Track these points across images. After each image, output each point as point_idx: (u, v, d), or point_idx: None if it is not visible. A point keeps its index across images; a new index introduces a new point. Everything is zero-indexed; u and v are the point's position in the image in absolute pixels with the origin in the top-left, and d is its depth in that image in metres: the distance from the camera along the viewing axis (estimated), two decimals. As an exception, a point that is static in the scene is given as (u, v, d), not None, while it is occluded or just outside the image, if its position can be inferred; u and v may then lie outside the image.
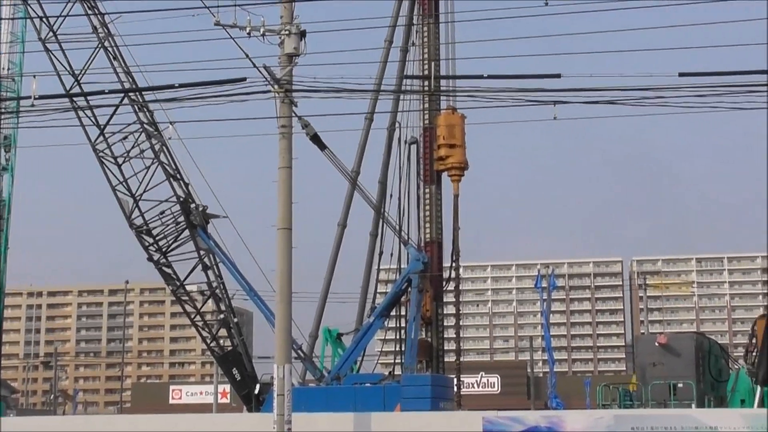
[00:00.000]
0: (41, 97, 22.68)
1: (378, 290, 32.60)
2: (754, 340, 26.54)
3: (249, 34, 20.56)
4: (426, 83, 31.12)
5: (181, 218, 29.70)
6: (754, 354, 25.66)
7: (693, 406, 25.84)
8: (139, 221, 29.77)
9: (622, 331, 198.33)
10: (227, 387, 76.36)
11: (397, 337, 30.33)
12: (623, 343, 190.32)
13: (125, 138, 29.48)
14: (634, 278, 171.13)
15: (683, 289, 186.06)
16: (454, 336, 31.83)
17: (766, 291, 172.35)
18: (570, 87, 19.95)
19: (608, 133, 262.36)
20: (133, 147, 29.49)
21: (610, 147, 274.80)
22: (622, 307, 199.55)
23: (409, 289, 28.28)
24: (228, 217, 29.97)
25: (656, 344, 27.49)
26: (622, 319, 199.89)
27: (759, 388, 24.02)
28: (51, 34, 29.15)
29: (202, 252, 29.77)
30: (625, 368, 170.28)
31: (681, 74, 19.71)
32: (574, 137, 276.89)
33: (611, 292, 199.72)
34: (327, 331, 31.95)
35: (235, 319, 30.57)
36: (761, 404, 23.84)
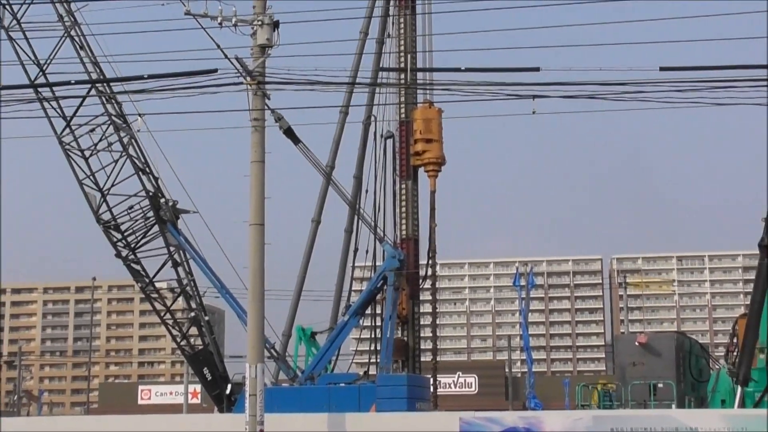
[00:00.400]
0: (4, 88, 22.54)
1: (353, 288, 32.55)
2: (735, 340, 26.68)
3: (220, 24, 20.50)
4: (402, 76, 31.08)
5: (151, 213, 29.57)
6: (734, 354, 25.79)
7: (673, 406, 25.97)
8: (106, 216, 29.63)
9: (602, 331, 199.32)
10: (198, 387, 76.22)
11: (373, 336, 30.32)
12: (603, 343, 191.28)
13: (92, 130, 29.30)
14: (614, 277, 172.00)
15: (663, 288, 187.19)
16: (431, 335, 31.86)
17: (747, 290, 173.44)
18: (549, 81, 20.02)
19: (588, 128, 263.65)
20: (100, 140, 29.32)
21: (590, 143, 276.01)
22: (601, 306, 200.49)
23: (385, 287, 28.26)
24: (199, 212, 29.90)
25: (636, 344, 27.60)
26: (601, 318, 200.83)
27: (740, 389, 24.16)
28: (14, 21, 28.91)
29: (172, 248, 29.66)
30: (604, 368, 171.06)
31: (662, 68, 19.81)
32: (554, 133, 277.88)
33: (591, 290, 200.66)
34: (300, 330, 31.89)
35: (206, 318, 30.48)
36: (742, 405, 23.99)
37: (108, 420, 28.96)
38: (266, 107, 21.22)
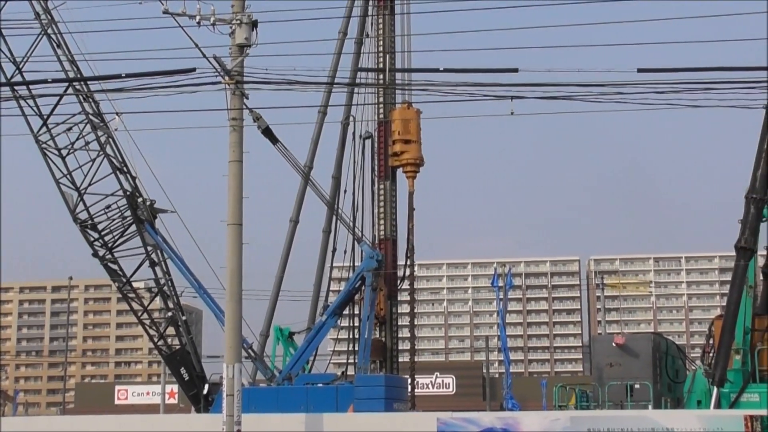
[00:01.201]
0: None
1: (331, 288, 32.57)
2: (711, 341, 26.81)
3: (199, 23, 20.45)
4: (381, 76, 31.10)
5: (128, 213, 29.49)
6: (711, 355, 25.93)
7: (650, 407, 26.08)
8: (83, 216, 29.51)
9: (579, 332, 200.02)
10: (175, 387, 76.05)
11: (350, 336, 30.33)
12: (580, 344, 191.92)
13: (69, 129, 29.18)
14: (592, 278, 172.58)
15: (641, 289, 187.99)
16: (409, 336, 31.88)
17: (723, 291, 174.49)
18: (528, 82, 20.06)
19: (567, 129, 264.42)
20: (77, 138, 29.20)
21: (568, 145, 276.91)
22: (579, 307, 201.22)
23: (363, 287, 28.28)
24: (176, 211, 29.82)
25: (613, 345, 27.71)
26: (579, 319, 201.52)
27: (716, 389, 24.30)
28: (-9, 20, 28.76)
29: (149, 248, 29.58)
30: (582, 369, 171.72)
31: (640, 70, 19.89)
32: (532, 134, 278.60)
33: (568, 291, 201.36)
34: (278, 330, 31.87)
35: (184, 317, 30.41)
36: (717, 405, 24.13)
37: (82, 420, 28.80)
38: (244, 107, 21.19)
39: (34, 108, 28.85)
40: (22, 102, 28.47)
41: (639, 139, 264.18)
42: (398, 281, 31.47)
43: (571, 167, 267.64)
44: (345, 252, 30.83)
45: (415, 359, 31.98)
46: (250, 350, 29.21)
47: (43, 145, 29.20)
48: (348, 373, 29.55)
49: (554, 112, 21.98)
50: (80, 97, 28.99)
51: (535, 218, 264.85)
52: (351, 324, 30.25)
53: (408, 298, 31.79)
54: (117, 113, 27.99)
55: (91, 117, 29.12)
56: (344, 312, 29.70)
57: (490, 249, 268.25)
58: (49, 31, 28.84)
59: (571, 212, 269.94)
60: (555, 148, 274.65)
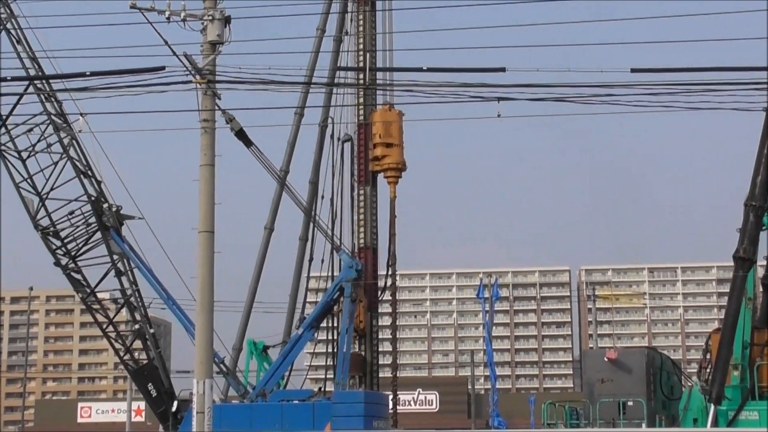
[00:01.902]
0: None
1: (308, 300, 32.58)
2: (708, 356, 26.90)
3: (168, 18, 20.42)
4: (361, 76, 31.13)
5: (93, 219, 29.46)
6: (708, 370, 26.01)
7: (643, 425, 26.16)
8: (45, 222, 29.45)
9: (570, 346, 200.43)
10: (142, 404, 75.63)
11: (328, 350, 30.32)
12: (570, 358, 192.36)
13: (30, 130, 29.13)
14: (582, 289, 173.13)
15: (634, 301, 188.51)
16: (390, 349, 31.90)
17: (721, 303, 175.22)
18: (515, 82, 20.09)
19: (556, 133, 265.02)
20: (39, 140, 29.15)
21: (558, 148, 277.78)
22: (569, 320, 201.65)
23: (342, 298, 28.30)
24: (144, 218, 29.82)
25: (605, 359, 27.79)
26: (569, 333, 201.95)
27: (713, 407, 24.38)
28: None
29: (115, 256, 29.54)
30: (572, 385, 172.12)
31: (633, 70, 19.95)
32: (520, 137, 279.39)
33: (558, 303, 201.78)
34: (252, 344, 31.85)
35: (152, 330, 30.38)
36: (715, 424, 24.21)
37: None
38: (217, 107, 21.16)
39: (-7, 107, 28.80)
40: (-21, 101, 28.41)
41: (632, 143, 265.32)
42: (379, 292, 31.49)
43: (562, 172, 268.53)
44: (323, 261, 30.86)
45: (397, 374, 32.01)
46: (221, 365, 29.19)
47: (2, 147, 29.12)
48: (326, 389, 29.54)
49: (543, 114, 22.06)
50: (42, 96, 28.93)
51: (523, 226, 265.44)
52: (329, 337, 30.25)
53: (389, 309, 31.81)
54: (81, 114, 27.86)
55: (53, 117, 29.06)
56: (322, 325, 29.72)
57: (476, 258, 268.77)
58: (9, 26, 28.79)
59: (561, 219, 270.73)
60: (544, 152, 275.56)
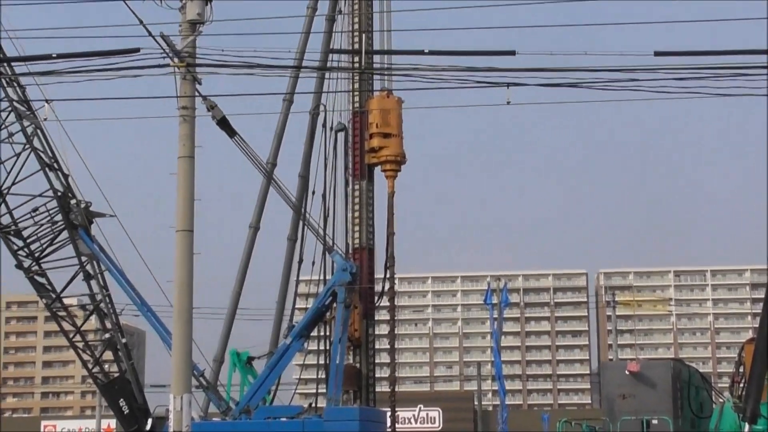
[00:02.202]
0: None
1: (297, 306, 32.64)
2: (741, 369, 27.04)
3: (144, -5, 20.48)
4: (356, 59, 31.18)
5: (59, 217, 29.50)
6: (741, 385, 26.14)
7: (669, 445, 26.27)
8: (6, 220, 29.52)
9: (587, 357, 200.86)
10: (113, 422, 75.71)
11: (320, 362, 30.38)
12: (588, 371, 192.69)
13: (-10, 118, 29.18)
14: (601, 294, 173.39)
15: (659, 308, 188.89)
16: (388, 361, 31.96)
17: (755, 311, 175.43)
18: (526, 67, 20.16)
19: (571, 121, 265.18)
20: (-1, 129, 29.20)
21: (573, 139, 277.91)
22: (586, 329, 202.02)
23: (334, 304, 28.35)
24: (116, 215, 29.85)
25: (627, 372, 27.91)
26: (586, 343, 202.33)
27: (747, 426, 24.46)
28: None
29: (83, 258, 29.59)
30: (590, 401, 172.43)
31: (657, 53, 20.04)
32: (532, 126, 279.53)
33: (574, 310, 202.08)
34: (235, 355, 31.90)
35: (124, 340, 30.41)
36: (748, 444, 24.29)
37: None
38: (197, 94, 21.23)
39: (-52, 93, 28.88)
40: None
41: (656, 133, 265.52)
42: (376, 297, 31.55)
43: (577, 166, 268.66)
44: (313, 263, 30.87)
45: (396, 389, 32.07)
46: (201, 378, 29.24)
47: (-41, 137, 29.19)
48: (317, 405, 29.61)
49: (557, 101, 22.16)
50: (3, 80, 28.98)
51: (535, 224, 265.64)
52: (320, 348, 30.31)
53: (387, 316, 31.86)
54: (47, 100, 27.91)
55: (15, 104, 29.11)
56: (312, 333, 29.76)
57: (483, 260, 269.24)
58: (-35, 3, 28.83)
59: (577, 217, 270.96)
60: (557, 142, 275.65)
